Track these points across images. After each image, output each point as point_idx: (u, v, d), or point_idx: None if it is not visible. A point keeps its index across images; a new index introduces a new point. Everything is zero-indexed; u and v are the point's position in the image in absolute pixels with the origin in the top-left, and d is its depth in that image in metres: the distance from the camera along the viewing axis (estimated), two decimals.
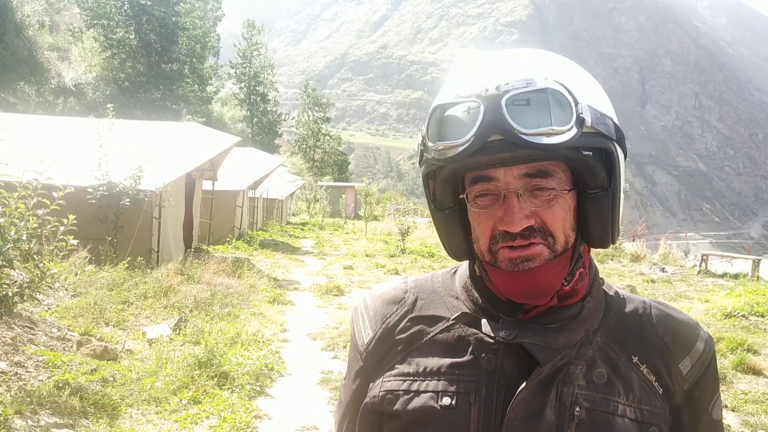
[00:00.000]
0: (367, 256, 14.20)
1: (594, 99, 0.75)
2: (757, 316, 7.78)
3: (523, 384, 0.75)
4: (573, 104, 0.70)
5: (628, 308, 0.84)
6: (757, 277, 12.38)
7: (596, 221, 0.77)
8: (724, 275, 13.02)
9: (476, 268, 0.84)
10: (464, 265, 0.90)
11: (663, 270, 13.35)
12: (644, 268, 13.58)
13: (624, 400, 0.76)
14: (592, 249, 0.83)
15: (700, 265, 13.78)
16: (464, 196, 0.79)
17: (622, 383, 0.77)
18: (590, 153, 0.73)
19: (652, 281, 11.86)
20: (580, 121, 0.69)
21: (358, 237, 20.28)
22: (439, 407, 0.77)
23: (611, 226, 0.78)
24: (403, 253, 14.52)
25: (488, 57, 0.79)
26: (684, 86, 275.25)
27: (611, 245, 0.81)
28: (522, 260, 0.74)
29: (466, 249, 0.84)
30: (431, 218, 0.86)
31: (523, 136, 0.68)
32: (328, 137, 54.37)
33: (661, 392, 0.78)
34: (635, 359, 0.79)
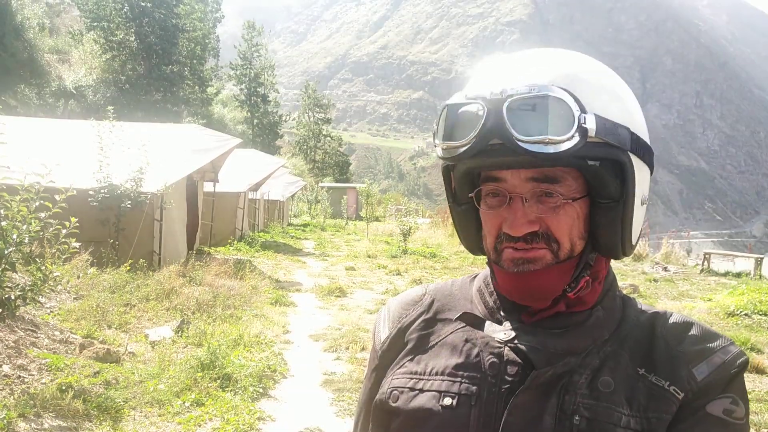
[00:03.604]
0: (369, 257, 14.18)
1: (608, 107, 0.72)
2: (760, 315, 7.76)
3: (520, 388, 0.74)
4: (575, 113, 0.68)
5: (644, 319, 0.81)
6: (760, 276, 12.35)
7: (605, 231, 0.76)
8: (726, 274, 12.99)
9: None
10: (484, 270, 0.90)
11: (665, 269, 13.33)
12: (647, 267, 13.56)
13: (628, 410, 0.72)
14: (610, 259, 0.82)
15: (703, 264, 13.75)
16: (473, 194, 0.80)
17: (627, 393, 0.73)
18: (596, 163, 0.71)
19: (655, 280, 11.83)
20: (583, 131, 0.68)
21: (359, 238, 20.27)
22: (440, 407, 0.77)
23: (621, 237, 0.77)
24: (405, 253, 14.49)
25: (506, 58, 0.78)
26: (685, 85, 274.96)
27: (624, 257, 0.80)
28: (523, 261, 0.75)
29: (479, 244, 0.85)
30: (449, 212, 0.87)
31: (520, 143, 0.68)
32: (328, 138, 54.40)
33: (681, 396, 0.73)
34: (642, 371, 0.75)
